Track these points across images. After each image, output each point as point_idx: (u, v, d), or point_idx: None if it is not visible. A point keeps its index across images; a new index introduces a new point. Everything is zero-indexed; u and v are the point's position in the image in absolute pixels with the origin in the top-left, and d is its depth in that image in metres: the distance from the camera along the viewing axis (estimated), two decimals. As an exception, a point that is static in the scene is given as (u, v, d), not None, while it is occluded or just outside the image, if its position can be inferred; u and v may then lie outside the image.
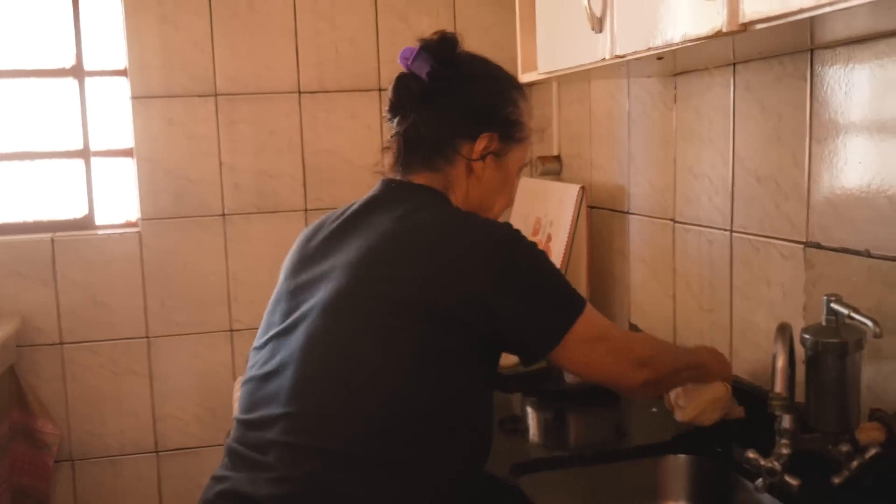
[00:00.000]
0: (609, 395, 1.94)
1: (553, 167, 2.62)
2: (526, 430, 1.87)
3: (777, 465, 1.33)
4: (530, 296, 1.28)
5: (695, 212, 1.90)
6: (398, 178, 1.44)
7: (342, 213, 1.43)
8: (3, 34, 2.67)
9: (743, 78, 1.69)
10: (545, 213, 2.47)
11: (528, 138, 1.49)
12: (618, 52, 1.45)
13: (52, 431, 2.68)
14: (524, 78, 2.09)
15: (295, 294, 1.36)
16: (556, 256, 2.31)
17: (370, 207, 1.40)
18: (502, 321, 1.26)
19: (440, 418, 1.24)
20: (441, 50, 1.42)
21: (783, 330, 1.22)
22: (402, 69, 1.44)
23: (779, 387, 1.16)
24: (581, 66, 1.60)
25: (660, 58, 1.47)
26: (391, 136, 1.46)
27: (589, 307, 1.35)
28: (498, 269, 1.26)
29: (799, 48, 1.49)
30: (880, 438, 1.33)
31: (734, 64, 1.71)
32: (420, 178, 1.42)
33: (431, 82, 1.40)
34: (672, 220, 1.99)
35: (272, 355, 1.31)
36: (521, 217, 2.64)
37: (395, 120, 1.45)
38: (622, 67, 1.81)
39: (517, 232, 1.34)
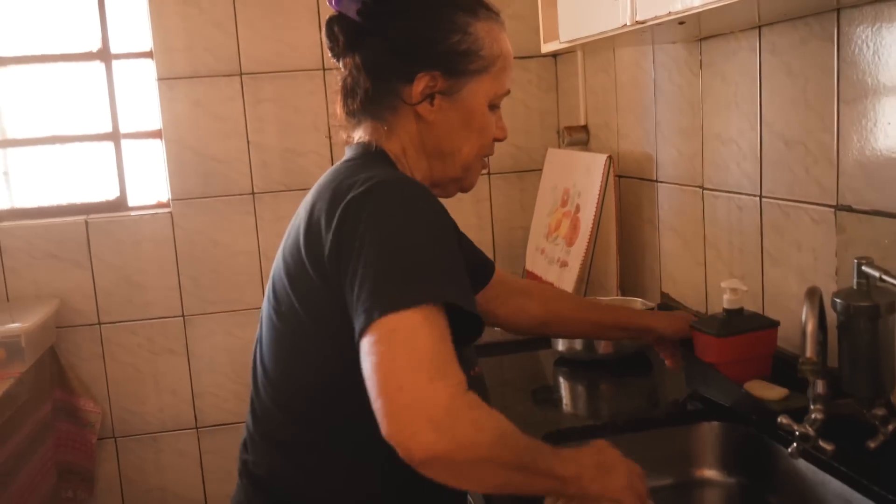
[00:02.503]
0: (642, 364, 1.94)
1: (580, 137, 2.61)
2: (559, 399, 1.88)
3: (811, 431, 1.32)
4: (373, 247, 1.04)
5: (723, 178, 1.88)
6: (352, 136, 1.31)
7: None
8: (31, 20, 2.70)
9: (768, 41, 1.66)
10: (573, 183, 2.46)
11: (492, 65, 1.25)
12: (639, 18, 1.43)
13: (94, 409, 2.74)
14: (546, 48, 2.08)
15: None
16: (585, 227, 2.31)
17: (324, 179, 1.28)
18: (350, 273, 1.05)
19: (334, 394, 1.16)
20: None
21: (812, 294, 1.20)
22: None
23: (809, 351, 1.16)
24: (603, 33, 1.59)
25: (681, 22, 1.45)
26: (337, 87, 1.31)
27: (444, 315, 1.03)
28: (364, 215, 1.06)
29: (825, 8, 1.46)
30: (915, 402, 1.32)
31: (759, 27, 1.68)
32: (368, 131, 1.27)
33: (362, 21, 1.23)
34: (701, 186, 1.98)
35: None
36: (549, 188, 2.64)
37: (340, 66, 1.30)
38: (646, 34, 1.79)
39: (409, 183, 1.14)
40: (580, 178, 2.41)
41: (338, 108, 1.31)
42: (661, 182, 2.18)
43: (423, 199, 1.11)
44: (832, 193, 1.52)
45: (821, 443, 1.31)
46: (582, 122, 2.65)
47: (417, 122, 1.25)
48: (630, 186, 2.35)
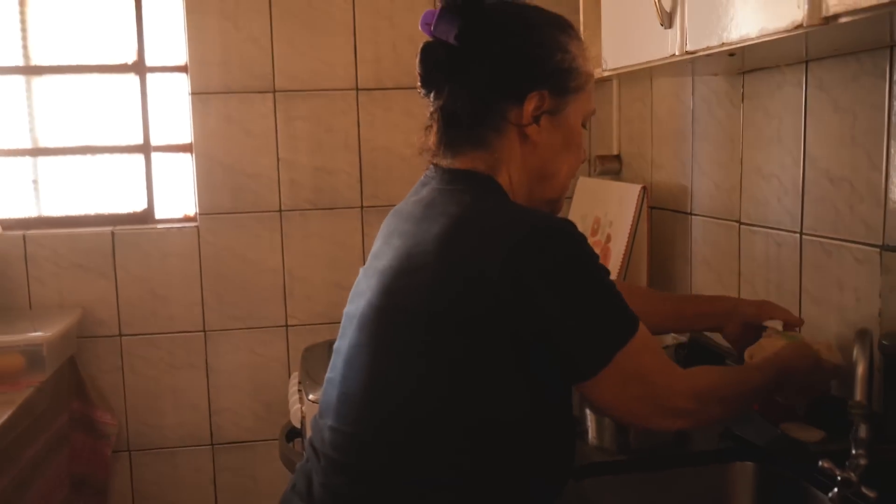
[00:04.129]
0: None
1: (613, 167, 2.59)
2: (585, 431, 1.83)
3: (853, 476, 1.29)
4: (584, 298, 1.11)
5: (762, 213, 1.85)
6: (444, 162, 1.26)
7: (399, 209, 1.32)
8: (68, 31, 2.71)
9: (816, 76, 1.64)
10: (604, 213, 2.43)
11: (587, 84, 1.26)
12: (688, 48, 1.41)
13: (111, 422, 2.72)
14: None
15: (354, 296, 1.28)
16: (616, 258, 2.28)
17: (412, 204, 1.26)
18: (550, 320, 1.09)
19: (481, 438, 1.12)
20: (467, 5, 1.21)
21: (863, 336, 1.17)
22: (427, 38, 1.25)
23: (859, 395, 1.12)
24: (649, 62, 1.56)
25: (732, 54, 1.43)
26: (430, 114, 1.27)
27: (643, 332, 1.15)
28: (547, 259, 1.09)
29: (878, 45, 1.43)
30: (961, 450, 1.28)
31: (807, 62, 1.66)
32: (467, 160, 1.24)
33: (461, 45, 1.20)
34: (738, 221, 1.94)
35: (334, 360, 1.28)
36: (579, 217, 2.61)
37: (431, 95, 1.26)
38: (688, 65, 1.77)
39: (570, 224, 1.14)
40: (612, 207, 2.39)
41: (430, 140, 1.27)
42: (696, 215, 2.14)
43: (583, 240, 1.15)
44: (878, 233, 1.49)
45: (863, 489, 1.27)
46: (615, 152, 2.62)
47: (522, 146, 1.23)
48: (663, 218, 2.32)
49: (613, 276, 2.24)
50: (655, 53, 1.52)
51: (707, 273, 2.11)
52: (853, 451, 1.33)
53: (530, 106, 1.20)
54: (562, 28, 1.25)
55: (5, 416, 2.06)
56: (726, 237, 2.00)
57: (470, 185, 1.21)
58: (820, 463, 1.29)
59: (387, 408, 1.14)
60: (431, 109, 1.26)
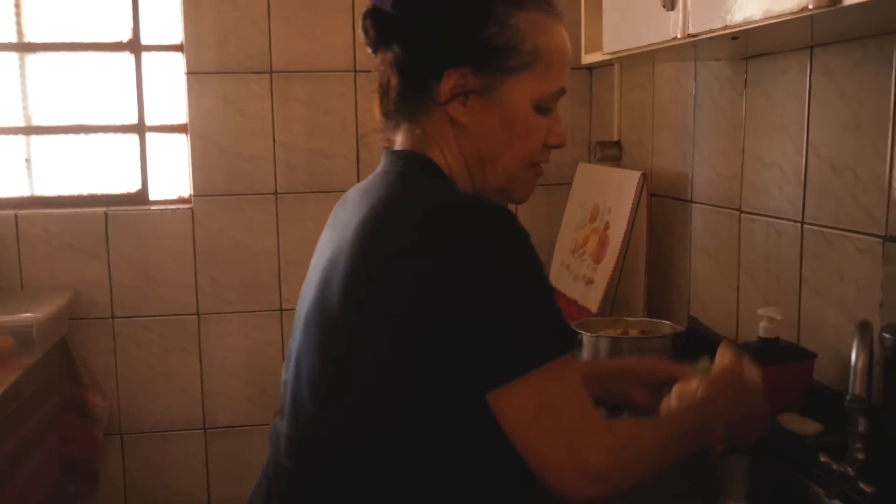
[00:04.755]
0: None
1: (613, 153, 2.55)
2: None
3: (850, 471, 1.26)
4: (500, 298, 0.98)
5: (763, 202, 1.82)
6: (390, 139, 1.19)
7: (345, 196, 1.24)
8: (62, 8, 2.67)
9: (821, 62, 1.60)
10: (603, 200, 2.40)
11: (533, 65, 1.11)
12: (691, 31, 1.38)
13: (102, 404, 2.69)
14: (588, 59, 2.02)
15: (303, 293, 1.19)
16: (614, 245, 2.25)
17: (354, 190, 1.19)
18: (472, 319, 0.98)
19: (430, 445, 1.04)
20: None
21: (864, 328, 1.14)
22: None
23: (858, 388, 1.09)
24: (650, 45, 1.53)
25: (735, 38, 1.39)
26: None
27: (568, 360, 1.01)
28: (477, 252, 0.99)
29: (885, 30, 1.40)
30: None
31: (812, 47, 1.62)
32: (405, 136, 1.16)
33: (397, 14, 1.11)
34: (738, 209, 1.91)
35: (288, 362, 1.20)
36: (577, 203, 2.58)
37: (378, 62, 1.18)
38: (690, 49, 1.74)
39: (508, 216, 1.02)
40: (611, 194, 2.35)
41: (375, 109, 1.20)
42: (696, 203, 2.11)
43: (522, 234, 1.03)
44: (881, 223, 1.46)
45: (860, 484, 1.25)
46: (615, 138, 2.59)
47: (452, 125, 1.13)
48: (662, 205, 2.29)
49: (611, 264, 2.22)
50: (657, 36, 1.49)
51: (706, 261, 2.08)
52: (851, 446, 1.31)
53: (448, 83, 1.10)
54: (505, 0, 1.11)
55: (-9, 400, 2.04)
56: (726, 226, 1.97)
57: (405, 166, 1.14)
58: (820, 457, 1.26)
59: (331, 416, 1.06)
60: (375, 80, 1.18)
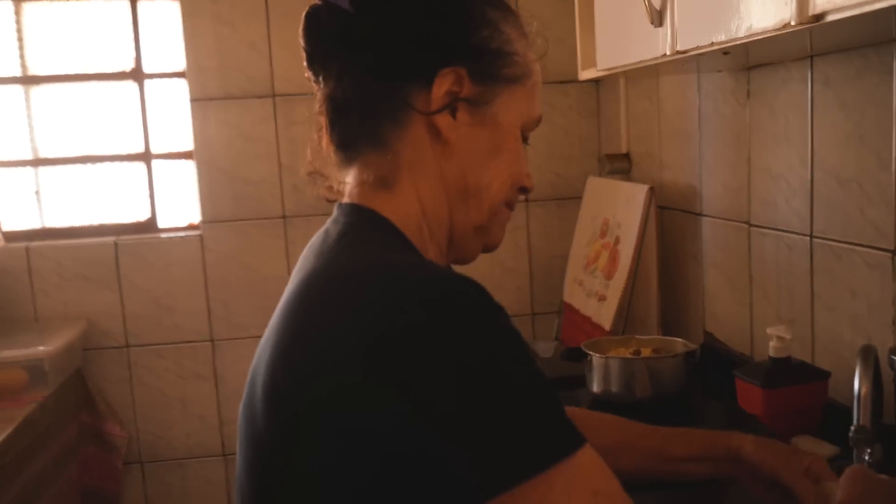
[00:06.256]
0: (682, 411, 1.82)
1: (622, 166, 2.51)
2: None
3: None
4: (482, 402, 0.73)
5: (771, 215, 1.77)
6: (340, 178, 0.97)
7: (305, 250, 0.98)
8: (64, 40, 2.68)
9: (821, 72, 1.55)
10: (612, 214, 2.36)
11: (528, 78, 0.96)
12: (679, 48, 1.34)
13: (121, 434, 2.70)
14: (584, 74, 1.98)
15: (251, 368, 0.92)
16: (625, 260, 2.20)
17: (308, 248, 0.96)
18: (430, 429, 0.72)
19: None
20: None
21: (867, 354, 1.09)
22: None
23: (862, 418, 1.04)
24: (642, 62, 1.49)
25: (726, 52, 1.35)
26: (318, 108, 0.95)
27: (586, 454, 0.76)
28: (435, 348, 0.73)
29: (882, 39, 1.35)
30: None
31: (811, 57, 1.57)
32: (359, 171, 0.93)
33: (357, 11, 0.91)
34: (747, 223, 1.86)
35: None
36: (588, 218, 2.54)
37: (320, 80, 0.95)
38: (691, 62, 1.70)
39: (477, 288, 0.79)
40: (620, 208, 2.31)
41: (323, 141, 0.96)
42: (706, 216, 2.06)
43: (494, 320, 0.78)
44: (889, 237, 1.41)
45: (873, 514, 1.19)
46: (623, 150, 2.54)
47: (434, 146, 0.92)
48: (673, 219, 2.24)
49: (623, 280, 2.17)
50: (647, 53, 1.45)
51: (718, 277, 2.03)
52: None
53: (442, 87, 0.90)
54: (496, 4, 0.95)
55: (6, 434, 2.04)
56: (736, 239, 1.92)
57: (347, 229, 0.90)
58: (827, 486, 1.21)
59: None
60: (318, 102, 0.95)
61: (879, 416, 1.26)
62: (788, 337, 1.52)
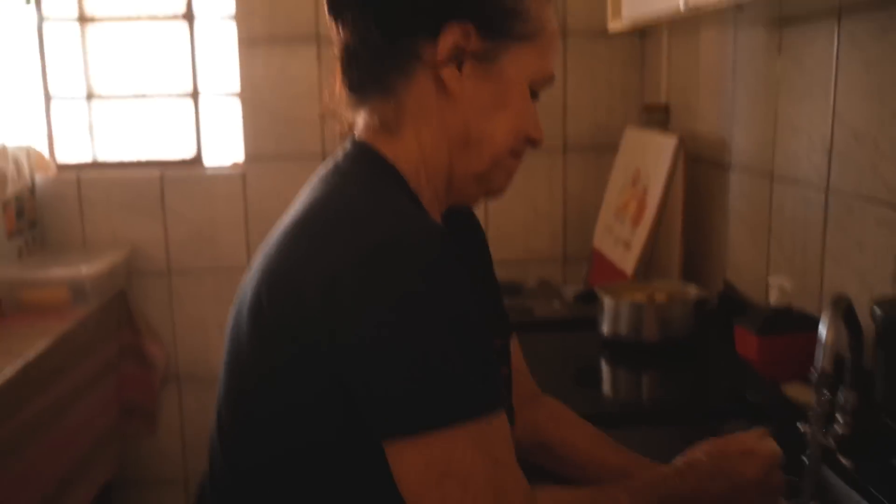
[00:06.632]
0: (685, 356, 1.87)
1: (660, 117, 2.52)
2: (599, 382, 1.87)
3: (832, 444, 1.25)
4: (406, 347, 0.82)
5: (793, 169, 1.78)
6: (351, 120, 1.03)
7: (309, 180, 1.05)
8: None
9: (847, 29, 1.56)
10: (644, 164, 2.38)
11: (540, 36, 0.99)
12: (693, 3, 1.36)
13: (160, 353, 2.83)
14: (612, 26, 2.00)
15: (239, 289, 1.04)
16: (651, 209, 2.23)
17: (308, 184, 1.02)
18: (357, 363, 0.83)
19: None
20: None
21: (837, 303, 1.12)
22: None
23: (826, 364, 1.07)
24: (658, 16, 1.51)
25: (740, 7, 1.37)
26: (336, 53, 1.01)
27: (497, 421, 0.85)
28: (380, 287, 0.82)
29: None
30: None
31: (840, 13, 1.58)
32: (368, 114, 0.99)
33: None
34: (770, 176, 1.88)
35: None
36: (622, 167, 2.56)
37: (339, 26, 0.99)
38: (729, 14, 1.70)
39: (436, 236, 0.86)
40: (651, 158, 2.33)
41: (336, 85, 1.01)
42: (734, 168, 2.08)
43: (453, 265, 0.85)
44: (897, 194, 1.43)
45: (840, 458, 1.24)
46: (663, 102, 2.56)
47: (438, 97, 0.96)
48: (703, 170, 2.26)
49: (647, 228, 2.20)
50: (666, 7, 1.47)
51: (741, 228, 2.05)
52: (837, 418, 1.30)
53: (449, 41, 0.94)
54: None
55: (45, 345, 2.17)
56: (759, 192, 1.94)
57: (348, 164, 0.98)
58: (799, 426, 1.25)
59: (226, 449, 0.97)
60: (336, 48, 1.00)
61: (859, 366, 1.29)
62: (788, 287, 1.55)
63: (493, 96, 0.98)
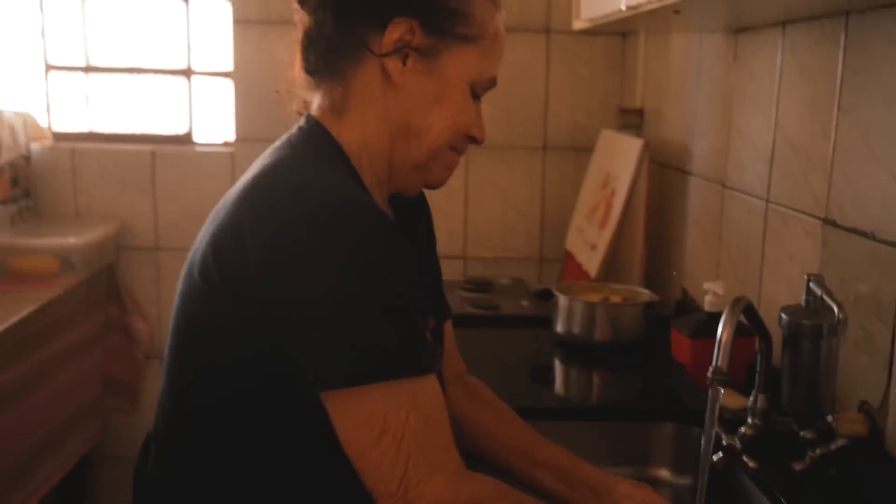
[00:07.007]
0: (639, 356, 1.91)
1: (633, 121, 2.55)
2: (552, 379, 1.90)
3: (737, 444, 1.30)
4: (335, 299, 0.90)
5: (740, 178, 1.82)
6: (307, 100, 1.12)
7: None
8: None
9: (790, 39, 1.59)
10: (613, 167, 2.42)
11: (483, 40, 1.05)
12: (631, 3, 1.40)
13: (144, 328, 2.90)
14: (575, 25, 2.03)
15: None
16: (616, 212, 2.27)
17: (262, 155, 1.11)
18: (292, 322, 0.92)
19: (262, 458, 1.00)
20: None
21: (736, 303, 1.16)
22: None
23: (721, 361, 1.12)
24: (607, 15, 1.55)
25: (676, 11, 1.41)
26: (296, 37, 1.11)
27: (429, 382, 0.94)
28: (315, 250, 0.91)
29: (835, 9, 1.38)
30: (862, 432, 1.26)
31: (784, 23, 1.61)
32: (321, 97, 1.08)
33: None
34: (722, 184, 1.91)
35: None
36: (595, 169, 2.60)
37: (305, 11, 1.08)
38: (693, 20, 1.73)
39: (371, 208, 0.95)
40: (620, 162, 2.37)
41: (296, 67, 1.10)
42: (692, 175, 2.12)
43: (388, 236, 0.94)
44: (823, 206, 1.46)
45: (744, 458, 1.28)
46: (638, 106, 2.59)
47: (383, 86, 1.04)
48: (667, 176, 2.29)
49: (610, 232, 2.24)
50: (610, 8, 1.51)
51: (697, 236, 2.08)
52: (748, 420, 1.34)
53: (394, 34, 1.01)
54: None
55: (28, 310, 2.24)
56: (713, 200, 1.97)
57: (299, 139, 1.07)
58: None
59: (169, 392, 1.07)
60: (298, 31, 1.09)
61: (768, 370, 1.33)
62: (721, 293, 1.59)
63: (434, 91, 1.05)
